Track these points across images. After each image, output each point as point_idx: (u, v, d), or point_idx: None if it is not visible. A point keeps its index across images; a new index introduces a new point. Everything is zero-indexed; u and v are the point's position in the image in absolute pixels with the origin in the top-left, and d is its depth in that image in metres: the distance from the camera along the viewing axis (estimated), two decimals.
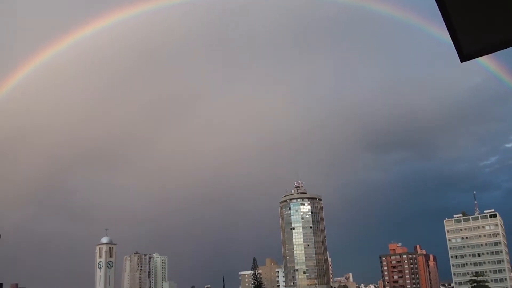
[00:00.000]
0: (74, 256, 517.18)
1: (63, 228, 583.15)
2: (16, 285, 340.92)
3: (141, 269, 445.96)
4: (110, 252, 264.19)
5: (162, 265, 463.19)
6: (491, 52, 6.31)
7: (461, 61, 6.46)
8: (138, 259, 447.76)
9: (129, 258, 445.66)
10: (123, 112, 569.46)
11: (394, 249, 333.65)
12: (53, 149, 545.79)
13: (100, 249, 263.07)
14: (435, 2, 5.37)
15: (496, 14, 5.62)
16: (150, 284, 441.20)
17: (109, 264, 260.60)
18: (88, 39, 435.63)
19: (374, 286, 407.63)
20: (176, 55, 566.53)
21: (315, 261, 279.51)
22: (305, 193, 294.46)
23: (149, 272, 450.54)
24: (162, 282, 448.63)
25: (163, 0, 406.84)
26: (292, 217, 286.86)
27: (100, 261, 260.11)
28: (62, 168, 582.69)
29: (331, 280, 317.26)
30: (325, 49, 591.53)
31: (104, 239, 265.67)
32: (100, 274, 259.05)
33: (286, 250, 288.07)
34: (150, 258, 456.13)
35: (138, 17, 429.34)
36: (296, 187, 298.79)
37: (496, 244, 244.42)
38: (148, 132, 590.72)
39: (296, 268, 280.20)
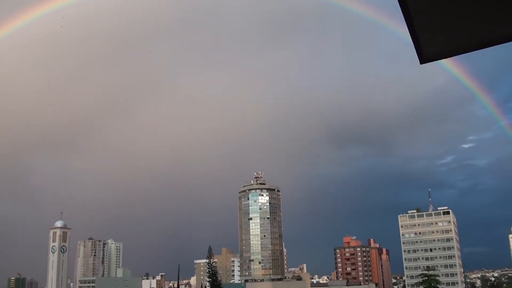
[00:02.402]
0: (28, 239, 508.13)
1: (18, 211, 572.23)
2: None
3: (94, 255, 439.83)
4: (64, 237, 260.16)
5: (117, 251, 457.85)
6: (451, 56, 6.30)
7: (421, 63, 6.43)
8: (92, 244, 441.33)
9: (83, 244, 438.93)
10: (84, 98, 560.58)
11: (349, 242, 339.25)
12: (11, 131, 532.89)
13: (54, 233, 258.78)
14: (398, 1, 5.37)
15: (457, 19, 5.63)
16: (103, 271, 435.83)
17: (63, 249, 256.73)
18: (53, 20, 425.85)
19: (328, 278, 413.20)
20: (139, 43, 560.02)
21: (270, 252, 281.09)
22: (264, 183, 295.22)
23: (103, 258, 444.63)
24: (116, 269, 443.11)
25: None
26: (250, 207, 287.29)
27: (54, 246, 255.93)
28: (20, 151, 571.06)
29: (286, 270, 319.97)
30: (291, 43, 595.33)
31: (58, 223, 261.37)
32: (53, 258, 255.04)
33: (242, 240, 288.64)
34: (104, 244, 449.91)
35: (103, 3, 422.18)
36: (256, 177, 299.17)
37: (448, 240, 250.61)
38: (107, 119, 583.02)
39: (252, 258, 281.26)
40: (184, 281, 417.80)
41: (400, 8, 5.39)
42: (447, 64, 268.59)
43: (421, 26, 5.69)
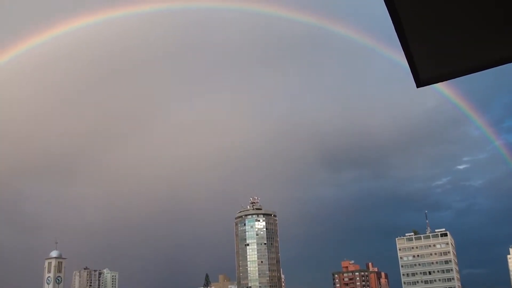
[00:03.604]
0: (22, 270, 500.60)
1: (11, 239, 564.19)
2: None
3: (90, 285, 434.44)
4: (59, 267, 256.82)
5: (113, 281, 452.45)
6: (447, 79, 6.29)
7: (417, 87, 6.40)
8: (87, 274, 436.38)
9: (78, 273, 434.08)
10: (80, 121, 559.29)
11: (347, 266, 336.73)
12: (6, 157, 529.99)
13: (49, 263, 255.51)
14: (393, 27, 5.35)
15: (453, 43, 5.64)
16: None
17: (58, 280, 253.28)
18: (48, 49, 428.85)
19: None
20: (138, 66, 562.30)
21: (268, 278, 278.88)
22: (261, 209, 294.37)
23: None
24: None
25: (126, 9, 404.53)
26: (247, 233, 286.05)
27: (49, 276, 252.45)
28: (14, 177, 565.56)
29: None
30: (285, 67, 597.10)
31: (54, 253, 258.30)
32: None
33: (239, 267, 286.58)
34: (100, 274, 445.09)
35: (101, 24, 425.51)
36: (252, 203, 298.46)
37: (446, 262, 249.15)
38: (102, 145, 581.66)
39: (249, 285, 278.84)
40: None
41: (396, 33, 5.40)
42: (440, 86, 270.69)
43: (417, 51, 5.70)
